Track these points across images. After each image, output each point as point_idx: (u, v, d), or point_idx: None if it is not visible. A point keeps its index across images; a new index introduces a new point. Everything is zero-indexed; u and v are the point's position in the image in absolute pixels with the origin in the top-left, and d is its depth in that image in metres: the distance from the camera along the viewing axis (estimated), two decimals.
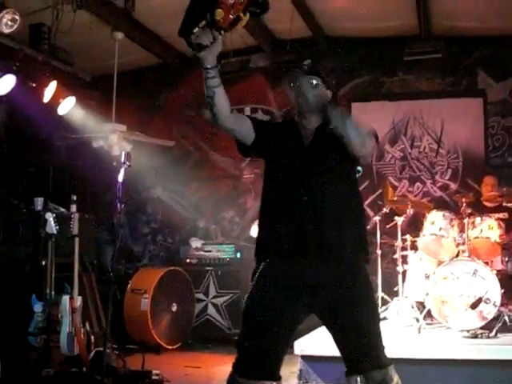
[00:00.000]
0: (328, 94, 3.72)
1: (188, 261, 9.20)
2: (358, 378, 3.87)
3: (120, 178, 5.39)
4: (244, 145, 3.69)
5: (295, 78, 3.68)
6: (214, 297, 8.89)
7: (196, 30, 3.26)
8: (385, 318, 7.69)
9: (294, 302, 3.50)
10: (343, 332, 3.55)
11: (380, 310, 7.82)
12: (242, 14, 3.31)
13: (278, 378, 3.59)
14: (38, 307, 6.17)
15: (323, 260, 3.46)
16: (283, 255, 3.50)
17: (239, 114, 3.85)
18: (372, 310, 3.65)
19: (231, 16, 3.27)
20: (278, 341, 3.53)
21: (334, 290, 3.46)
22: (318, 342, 6.48)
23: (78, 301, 6.22)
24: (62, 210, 7.10)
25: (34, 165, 8.84)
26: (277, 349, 3.54)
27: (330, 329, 3.62)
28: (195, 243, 9.26)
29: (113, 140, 8.39)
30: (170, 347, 8.20)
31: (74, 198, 7.07)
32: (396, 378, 3.56)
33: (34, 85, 7.50)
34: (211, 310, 8.87)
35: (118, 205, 5.39)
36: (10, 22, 6.72)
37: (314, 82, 3.65)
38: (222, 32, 3.33)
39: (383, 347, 3.59)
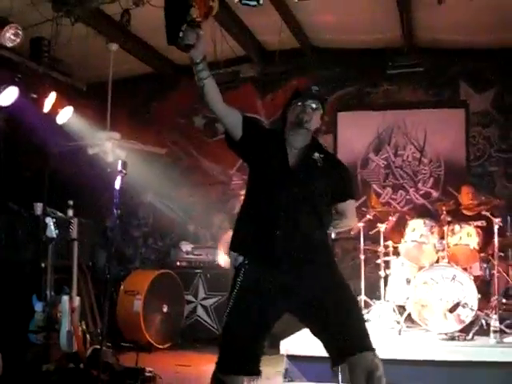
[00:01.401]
0: (320, 122, 4.02)
1: (178, 264, 9.51)
2: (340, 377, 4.24)
3: (117, 185, 5.66)
4: (232, 137, 3.96)
5: (303, 97, 3.98)
6: (203, 299, 9.18)
7: (181, 34, 3.58)
8: (367, 321, 8.02)
9: (272, 304, 3.78)
10: (327, 320, 3.78)
11: (363, 312, 8.19)
12: (212, 3, 3.66)
13: (258, 373, 3.86)
14: (38, 306, 6.53)
15: (296, 263, 3.81)
16: (259, 262, 3.84)
17: (232, 108, 4.01)
18: (353, 297, 3.97)
19: (205, 9, 3.62)
20: (257, 340, 3.83)
21: (312, 286, 3.78)
22: (303, 342, 6.77)
23: (77, 301, 6.55)
24: (60, 214, 7.39)
25: (30, 170, 9.10)
26: (256, 347, 3.84)
27: (312, 324, 3.91)
28: (185, 247, 9.57)
29: (107, 147, 8.69)
30: (161, 346, 8.52)
31: (71, 202, 7.39)
32: (381, 366, 3.73)
33: (34, 96, 7.84)
34: (200, 312, 9.15)
35: (115, 211, 5.66)
36: (12, 36, 7.03)
37: (315, 105, 3.95)
38: (201, 26, 3.64)
39: (368, 333, 3.80)
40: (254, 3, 6.51)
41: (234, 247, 3.98)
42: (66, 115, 8.29)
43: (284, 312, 3.90)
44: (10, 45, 7.10)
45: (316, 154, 3.95)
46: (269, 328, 3.88)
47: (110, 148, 8.74)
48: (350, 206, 4.15)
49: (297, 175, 3.90)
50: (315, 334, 3.93)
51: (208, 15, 3.66)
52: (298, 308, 3.88)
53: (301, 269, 3.81)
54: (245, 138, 3.91)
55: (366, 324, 3.94)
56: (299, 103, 3.97)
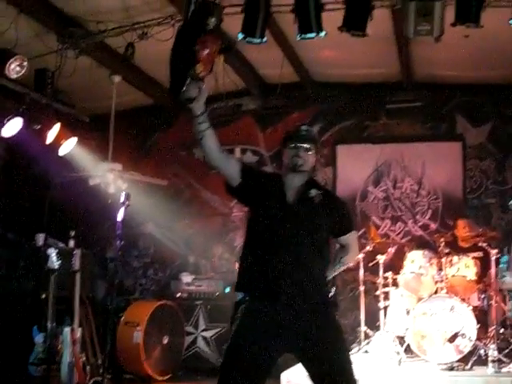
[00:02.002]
0: (315, 160, 4.05)
1: (178, 295, 9.38)
2: None
3: (119, 217, 5.66)
4: (230, 184, 4.01)
5: (295, 140, 4.00)
6: (204, 330, 9.07)
7: (184, 88, 3.65)
8: (367, 352, 8.01)
9: (272, 341, 3.76)
10: (319, 362, 3.81)
11: (363, 343, 8.14)
12: (217, 59, 3.76)
13: None
14: (39, 338, 6.47)
15: (296, 305, 3.80)
16: (260, 297, 3.83)
17: (230, 156, 4.11)
18: (345, 349, 3.97)
19: (210, 64, 3.69)
20: (257, 377, 3.79)
21: (309, 332, 3.78)
22: (304, 373, 6.73)
23: (78, 332, 6.49)
24: (61, 245, 7.36)
25: (29, 200, 9.05)
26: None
27: (307, 364, 3.90)
28: (186, 278, 9.47)
29: (109, 178, 8.60)
30: (161, 378, 8.38)
31: (72, 233, 7.37)
32: None
33: (38, 127, 7.84)
34: (200, 343, 9.04)
35: (118, 242, 5.65)
36: (18, 68, 7.06)
37: (307, 146, 3.97)
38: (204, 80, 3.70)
39: (355, 378, 3.86)
40: (259, 41, 6.64)
41: (238, 288, 3.98)
42: (69, 146, 8.28)
43: (284, 350, 3.87)
44: (15, 76, 7.13)
45: (314, 191, 3.99)
46: (269, 365, 3.84)
47: (112, 179, 8.67)
48: (352, 237, 4.21)
49: (296, 211, 3.94)
50: (308, 374, 3.92)
51: (212, 69, 3.74)
52: (295, 347, 3.85)
53: (300, 306, 3.81)
54: (243, 185, 4.00)
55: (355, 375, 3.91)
56: (292, 145, 4.00)
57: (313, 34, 6.47)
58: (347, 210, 4.24)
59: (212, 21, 6.35)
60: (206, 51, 3.68)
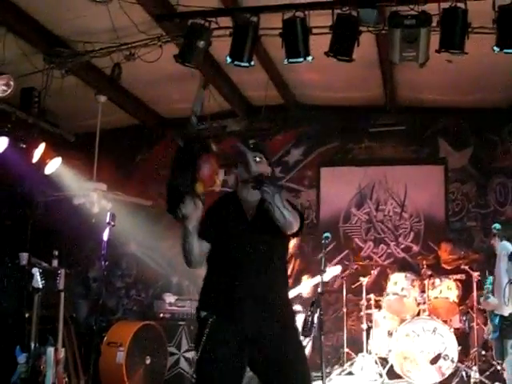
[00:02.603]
0: (268, 169, 4.04)
1: (161, 315, 9.27)
2: None
3: (105, 236, 5.65)
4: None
5: (243, 154, 3.95)
6: (186, 350, 8.94)
7: (181, 205, 3.74)
8: (350, 373, 8.08)
9: (239, 354, 3.79)
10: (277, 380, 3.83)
11: (346, 365, 8.17)
12: (216, 179, 3.86)
13: None
14: (21, 358, 6.32)
15: (256, 314, 3.82)
16: (224, 317, 3.82)
17: (201, 242, 3.93)
18: (304, 357, 3.99)
19: (209, 183, 3.82)
20: None
21: (269, 340, 3.81)
22: None
23: (62, 352, 6.42)
24: (45, 264, 7.29)
25: (12, 219, 8.99)
26: None
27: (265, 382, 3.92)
28: (169, 298, 9.36)
29: (93, 198, 8.63)
30: None
31: (56, 253, 7.30)
32: None
33: (23, 146, 7.79)
34: (183, 364, 8.91)
35: (102, 262, 5.64)
36: (4, 87, 7.04)
37: (258, 158, 3.97)
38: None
39: None
40: (247, 64, 6.70)
41: (201, 306, 3.98)
42: (54, 166, 8.25)
43: (247, 366, 3.88)
44: (1, 95, 7.13)
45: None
46: (238, 378, 3.84)
47: (96, 199, 8.70)
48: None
49: (255, 224, 3.96)
50: None
51: (210, 187, 3.87)
52: (255, 362, 3.88)
53: (261, 320, 3.84)
54: (211, 239, 3.96)
55: None
56: (240, 160, 3.98)
57: (300, 59, 6.51)
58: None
59: (201, 43, 6.42)
60: (207, 170, 3.81)
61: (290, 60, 6.60)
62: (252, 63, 6.77)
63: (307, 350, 7.20)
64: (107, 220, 5.66)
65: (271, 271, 3.92)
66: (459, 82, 8.69)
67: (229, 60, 6.72)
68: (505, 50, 6.14)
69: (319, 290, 5.72)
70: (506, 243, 5.50)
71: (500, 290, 5.57)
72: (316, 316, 5.14)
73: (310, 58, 6.54)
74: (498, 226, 5.87)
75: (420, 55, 6.35)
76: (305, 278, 7.83)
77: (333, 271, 7.58)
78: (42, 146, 7.94)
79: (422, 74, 8.10)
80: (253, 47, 6.71)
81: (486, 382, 7.18)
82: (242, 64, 6.71)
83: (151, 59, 7.24)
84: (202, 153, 3.88)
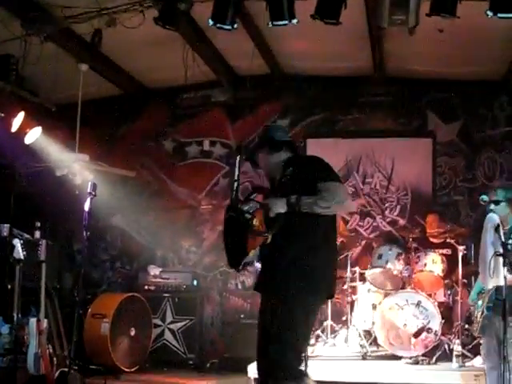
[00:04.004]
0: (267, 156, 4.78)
1: (146, 287, 9.53)
2: None
3: (86, 207, 5.75)
4: None
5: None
6: (171, 322, 9.23)
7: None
8: (333, 345, 8.29)
9: None
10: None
11: (329, 337, 8.41)
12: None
13: None
14: (4, 329, 6.55)
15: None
16: None
17: None
18: (279, 322, 4.36)
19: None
20: None
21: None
22: None
23: (44, 323, 6.58)
24: (27, 236, 7.43)
25: None
26: None
27: None
28: (153, 271, 9.59)
29: (76, 169, 8.75)
30: (128, 370, 8.51)
31: (38, 224, 7.45)
32: None
33: (2, 115, 7.85)
34: (168, 335, 9.20)
35: (84, 232, 5.75)
36: None
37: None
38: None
39: (281, 364, 4.25)
40: (229, 27, 6.71)
41: None
42: (34, 135, 8.28)
43: None
44: None
45: (288, 171, 4.51)
46: None
47: (78, 170, 8.79)
48: (327, 185, 4.36)
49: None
50: None
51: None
52: None
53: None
54: None
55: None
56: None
57: (285, 21, 6.52)
58: (315, 165, 4.56)
59: (182, 5, 6.49)
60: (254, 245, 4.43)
61: (275, 23, 6.61)
62: (235, 26, 6.78)
63: None
64: (88, 190, 5.74)
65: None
66: (450, 54, 8.72)
67: (211, 22, 6.75)
68: (499, 15, 6.15)
69: None
70: (492, 215, 5.53)
71: (485, 262, 5.61)
72: None
73: (295, 21, 6.56)
74: (485, 197, 5.92)
75: (410, 19, 6.36)
76: None
77: None
78: (21, 115, 7.98)
79: (411, 44, 8.24)
80: (236, 9, 6.74)
81: (469, 355, 7.36)
82: (225, 27, 6.71)
83: (133, 25, 7.30)
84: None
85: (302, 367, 4.35)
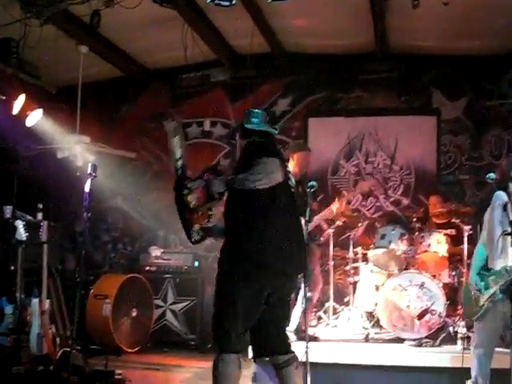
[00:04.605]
0: (241, 141, 5.21)
1: (147, 268, 9.74)
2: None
3: (87, 188, 5.89)
4: None
5: None
6: (172, 303, 9.46)
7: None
8: (335, 326, 8.42)
9: None
10: None
11: (331, 318, 8.56)
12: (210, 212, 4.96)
13: None
14: (8, 309, 6.82)
15: None
16: None
17: None
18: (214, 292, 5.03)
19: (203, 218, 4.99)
20: None
21: None
22: None
23: (47, 304, 6.80)
24: (29, 217, 7.63)
25: None
26: None
27: None
28: (155, 251, 9.81)
29: (77, 151, 8.92)
30: (130, 350, 8.78)
31: (40, 206, 7.65)
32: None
33: (3, 97, 8.03)
34: (169, 316, 9.43)
35: (85, 214, 5.91)
36: None
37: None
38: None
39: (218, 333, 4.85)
40: (227, 3, 6.75)
41: None
42: (35, 118, 8.46)
43: None
44: None
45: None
46: None
47: (80, 151, 8.96)
48: (258, 161, 4.86)
49: None
50: None
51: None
52: None
53: None
54: None
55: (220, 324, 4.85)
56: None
57: None
58: None
59: None
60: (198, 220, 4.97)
61: None
62: (233, 2, 6.81)
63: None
64: (89, 171, 5.89)
65: None
66: (455, 28, 8.71)
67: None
68: None
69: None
70: (500, 193, 5.52)
71: (492, 242, 5.52)
72: None
73: None
74: (492, 175, 5.87)
75: None
76: None
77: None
78: (21, 98, 8.16)
79: (415, 18, 8.23)
80: None
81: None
82: (223, 3, 6.76)
83: (131, 5, 7.41)
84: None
85: (233, 344, 4.76)
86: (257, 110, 5.24)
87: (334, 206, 7.52)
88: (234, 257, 4.86)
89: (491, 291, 5.45)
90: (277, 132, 5.35)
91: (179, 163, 4.94)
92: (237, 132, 5.27)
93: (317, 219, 7.37)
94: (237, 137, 5.26)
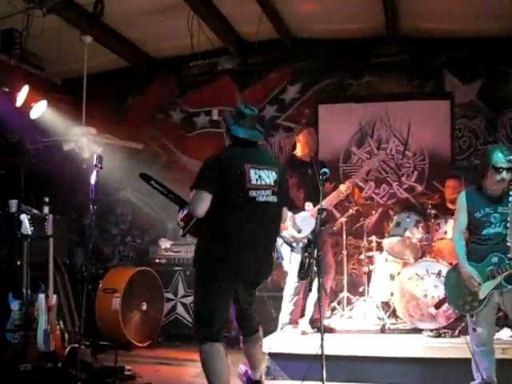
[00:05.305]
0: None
1: (157, 261, 9.71)
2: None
3: (92, 180, 5.82)
4: None
5: None
6: (183, 296, 9.41)
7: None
8: (350, 318, 8.32)
9: None
10: None
11: (346, 309, 8.45)
12: None
13: None
14: (15, 305, 6.73)
15: None
16: None
17: None
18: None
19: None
20: None
21: None
22: (285, 340, 7.10)
23: (53, 299, 6.75)
24: (35, 211, 7.58)
25: (4, 168, 9.23)
26: None
27: None
28: (164, 244, 9.75)
29: (83, 143, 8.81)
30: (141, 345, 8.74)
31: (47, 199, 7.61)
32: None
33: (6, 89, 7.98)
34: (180, 309, 9.38)
35: (91, 206, 5.84)
36: None
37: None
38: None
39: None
40: None
41: None
42: (39, 110, 8.41)
43: None
44: None
45: None
46: None
47: (86, 143, 8.86)
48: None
49: None
50: None
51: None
52: None
53: None
54: None
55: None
56: None
57: None
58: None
59: None
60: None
61: None
62: None
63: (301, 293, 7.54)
64: (94, 163, 5.82)
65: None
66: (468, 9, 8.59)
67: None
68: None
69: (316, 229, 5.55)
70: None
71: None
72: (313, 257, 5.24)
73: None
74: None
75: None
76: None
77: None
78: (25, 89, 8.11)
79: (426, 0, 8.17)
80: None
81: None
82: None
83: None
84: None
85: (213, 332, 5.30)
86: (248, 112, 5.40)
87: (343, 187, 7.41)
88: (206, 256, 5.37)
89: (495, 282, 5.39)
90: (262, 138, 5.64)
91: (171, 196, 5.65)
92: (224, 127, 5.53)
93: (326, 203, 7.24)
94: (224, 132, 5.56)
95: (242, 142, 5.31)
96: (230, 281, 5.23)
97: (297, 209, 7.24)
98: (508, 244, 5.38)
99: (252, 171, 5.14)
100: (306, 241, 7.10)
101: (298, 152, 7.76)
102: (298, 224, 7.25)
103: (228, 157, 5.17)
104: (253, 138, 5.39)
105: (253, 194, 5.12)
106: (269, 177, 5.25)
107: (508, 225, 5.35)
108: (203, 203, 5.01)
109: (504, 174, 5.41)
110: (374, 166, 8.02)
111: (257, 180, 5.15)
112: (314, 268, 5.13)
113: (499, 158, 5.43)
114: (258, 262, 5.28)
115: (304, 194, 7.42)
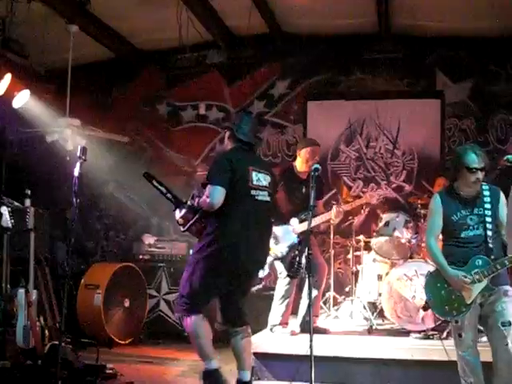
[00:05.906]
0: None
1: (141, 257, 9.63)
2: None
3: (76, 172, 5.68)
4: None
5: None
6: (166, 293, 9.32)
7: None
8: (336, 318, 8.24)
9: None
10: None
11: (332, 309, 8.36)
12: None
13: None
14: None
15: None
16: None
17: None
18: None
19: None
20: None
21: None
22: (271, 339, 7.01)
23: (34, 295, 6.60)
24: (16, 204, 7.42)
25: None
26: None
27: None
28: (148, 239, 9.67)
29: (67, 134, 8.64)
30: (123, 342, 8.66)
31: (28, 192, 7.44)
32: None
33: None
34: (163, 306, 9.31)
35: (74, 199, 5.69)
36: None
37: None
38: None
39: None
40: None
41: None
42: (22, 99, 8.26)
43: None
44: None
45: None
46: None
47: (70, 135, 8.71)
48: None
49: None
50: None
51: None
52: None
53: None
54: None
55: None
56: None
57: None
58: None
59: None
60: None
61: None
62: None
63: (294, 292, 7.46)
64: (78, 154, 5.67)
65: None
66: (460, 8, 8.58)
67: None
68: None
69: (307, 227, 5.63)
70: None
71: None
72: (304, 256, 5.20)
73: None
74: (511, 157, 5.66)
75: None
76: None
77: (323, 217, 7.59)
78: (7, 77, 7.94)
79: None
80: None
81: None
82: None
83: None
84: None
85: (197, 306, 5.62)
86: (248, 117, 5.95)
87: (333, 214, 7.34)
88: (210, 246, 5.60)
89: (481, 285, 5.27)
90: (260, 142, 6.17)
91: (169, 195, 6.17)
92: (228, 130, 5.92)
93: (315, 221, 7.26)
94: (226, 134, 5.95)
95: (245, 145, 5.83)
96: (227, 275, 5.61)
97: (280, 221, 7.20)
98: (489, 245, 5.31)
99: (253, 173, 5.70)
100: (278, 254, 7.23)
101: (297, 166, 7.59)
102: (278, 235, 7.22)
103: (236, 158, 5.66)
104: (253, 142, 5.95)
105: (253, 192, 5.68)
106: (265, 179, 5.81)
107: (488, 225, 5.27)
108: (220, 198, 5.45)
109: (479, 175, 5.30)
110: (372, 202, 7.91)
111: (257, 181, 5.72)
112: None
113: (472, 158, 5.30)
114: (256, 253, 5.75)
115: (290, 210, 7.35)
